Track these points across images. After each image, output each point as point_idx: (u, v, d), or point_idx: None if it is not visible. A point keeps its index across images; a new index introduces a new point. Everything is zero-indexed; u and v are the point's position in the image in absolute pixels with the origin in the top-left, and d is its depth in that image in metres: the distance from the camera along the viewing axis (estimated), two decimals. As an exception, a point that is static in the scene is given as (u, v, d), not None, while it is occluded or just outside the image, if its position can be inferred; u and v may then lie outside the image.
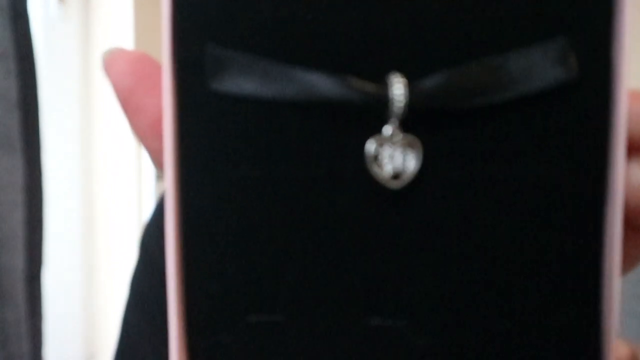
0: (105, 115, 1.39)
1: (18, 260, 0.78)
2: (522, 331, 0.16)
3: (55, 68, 1.34)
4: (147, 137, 0.17)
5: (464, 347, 0.16)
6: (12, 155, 0.79)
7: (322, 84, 0.15)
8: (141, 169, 1.37)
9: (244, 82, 0.15)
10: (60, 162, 1.35)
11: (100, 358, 1.37)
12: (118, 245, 1.39)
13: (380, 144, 0.15)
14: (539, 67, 0.15)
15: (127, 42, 1.33)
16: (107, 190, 1.40)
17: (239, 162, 0.16)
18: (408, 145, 0.15)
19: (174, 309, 0.16)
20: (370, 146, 0.15)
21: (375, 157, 0.15)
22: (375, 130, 0.15)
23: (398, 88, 0.15)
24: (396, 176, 0.15)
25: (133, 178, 1.37)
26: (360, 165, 0.15)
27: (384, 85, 0.15)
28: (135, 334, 0.54)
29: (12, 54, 0.78)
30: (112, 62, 0.17)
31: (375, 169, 0.15)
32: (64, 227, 1.36)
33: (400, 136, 0.15)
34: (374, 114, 0.15)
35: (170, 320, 0.16)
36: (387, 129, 0.15)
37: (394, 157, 0.15)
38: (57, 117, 1.35)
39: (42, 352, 0.82)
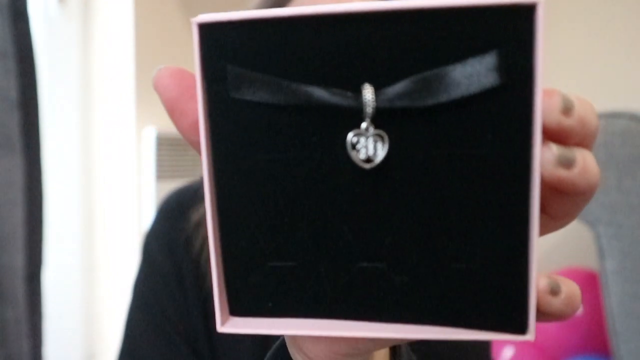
0: (105, 115, 1.39)
1: (18, 260, 0.78)
2: (472, 268, 0.21)
3: (55, 68, 1.34)
4: (190, 133, 0.22)
5: (429, 281, 0.21)
6: (12, 155, 0.79)
7: (315, 92, 0.20)
8: (141, 169, 1.38)
9: (257, 92, 0.21)
10: (60, 162, 1.35)
11: (100, 358, 1.37)
12: (118, 245, 1.39)
13: (358, 136, 0.20)
14: (477, 74, 0.19)
15: (127, 42, 1.33)
16: (107, 191, 1.40)
17: (254, 150, 0.22)
18: (378, 137, 0.20)
19: (214, 260, 0.22)
20: (350, 137, 0.20)
21: (354, 146, 0.20)
22: (355, 126, 0.20)
23: (368, 94, 0.20)
24: (369, 160, 0.21)
25: (133, 178, 1.37)
26: (344, 152, 0.21)
27: (359, 92, 0.20)
28: (138, 334, 0.54)
29: (12, 54, 0.78)
30: (160, 78, 0.22)
31: (354, 154, 0.21)
32: (64, 227, 1.36)
33: (372, 130, 0.20)
34: (353, 114, 0.20)
35: (212, 267, 0.22)
36: (363, 125, 0.20)
37: (367, 146, 0.20)
38: (57, 117, 1.35)
39: (42, 351, 0.82)
